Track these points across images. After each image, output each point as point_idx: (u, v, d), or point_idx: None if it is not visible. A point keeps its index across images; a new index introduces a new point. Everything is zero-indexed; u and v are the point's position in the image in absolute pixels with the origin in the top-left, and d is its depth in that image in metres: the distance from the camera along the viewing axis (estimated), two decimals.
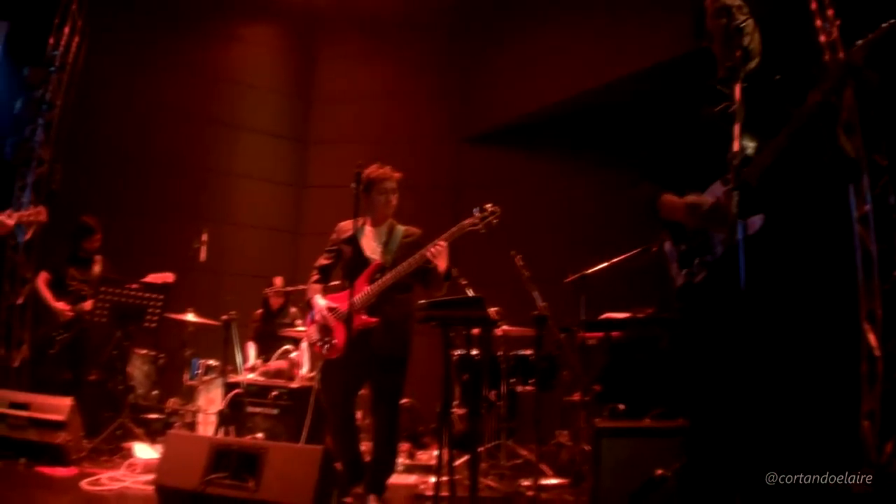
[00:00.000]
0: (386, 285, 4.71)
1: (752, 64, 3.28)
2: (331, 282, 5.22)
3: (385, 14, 10.42)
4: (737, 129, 2.98)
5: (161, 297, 6.49)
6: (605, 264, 6.20)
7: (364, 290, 4.76)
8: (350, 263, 4.94)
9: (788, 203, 3.18)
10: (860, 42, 2.81)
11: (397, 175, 4.92)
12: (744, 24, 3.18)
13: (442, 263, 4.73)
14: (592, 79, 8.30)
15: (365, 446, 5.09)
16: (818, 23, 5.91)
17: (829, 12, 5.86)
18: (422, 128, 10.08)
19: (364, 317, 4.72)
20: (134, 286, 6.39)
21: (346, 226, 5.07)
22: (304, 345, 7.24)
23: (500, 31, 9.84)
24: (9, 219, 5.20)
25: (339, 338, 4.78)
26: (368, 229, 5.04)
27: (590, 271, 6.16)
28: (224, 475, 3.70)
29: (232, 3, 10.21)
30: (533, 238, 8.56)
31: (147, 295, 6.42)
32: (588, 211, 8.85)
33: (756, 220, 3.11)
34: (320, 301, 4.96)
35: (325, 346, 4.86)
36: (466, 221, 4.80)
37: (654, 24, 7.52)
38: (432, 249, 4.71)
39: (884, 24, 2.77)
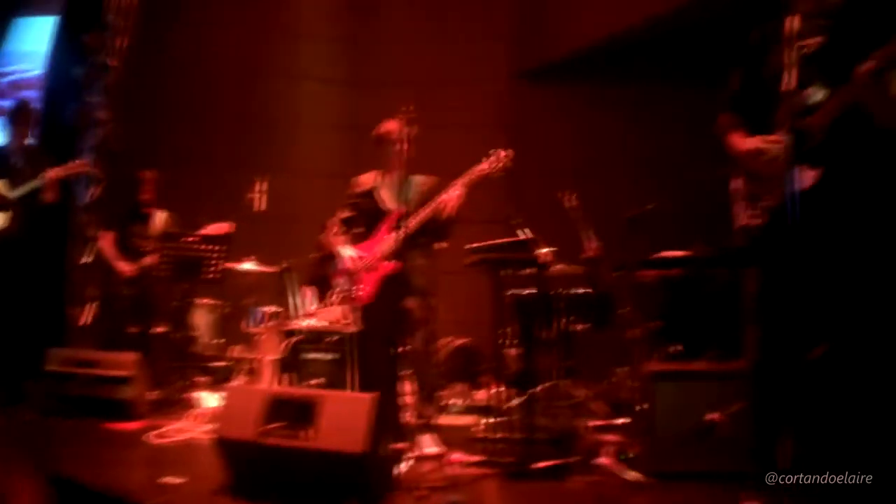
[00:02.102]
0: (408, 232, 4.80)
1: None
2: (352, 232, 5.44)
3: None
4: (786, 57, 2.90)
5: (221, 248, 6.56)
6: (663, 201, 6.11)
7: (387, 238, 5.02)
8: (370, 214, 5.23)
9: (850, 159, 3.05)
10: None
11: (403, 126, 4.90)
12: None
13: (453, 210, 4.93)
14: (657, 4, 7.70)
15: None
16: None
17: None
18: (475, 66, 9.78)
19: (390, 263, 4.99)
20: (192, 239, 6.47)
21: (363, 179, 5.36)
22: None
23: None
24: (56, 175, 5.42)
25: (367, 285, 5.07)
26: (386, 180, 5.26)
27: (648, 208, 6.06)
28: (281, 425, 3.77)
29: None
30: (594, 174, 8.45)
31: (207, 247, 6.50)
32: (651, 147, 8.63)
33: (810, 175, 3.01)
34: (347, 251, 5.23)
35: (354, 294, 5.15)
36: (477, 167, 5.02)
37: None
38: (450, 195, 4.91)
39: None
